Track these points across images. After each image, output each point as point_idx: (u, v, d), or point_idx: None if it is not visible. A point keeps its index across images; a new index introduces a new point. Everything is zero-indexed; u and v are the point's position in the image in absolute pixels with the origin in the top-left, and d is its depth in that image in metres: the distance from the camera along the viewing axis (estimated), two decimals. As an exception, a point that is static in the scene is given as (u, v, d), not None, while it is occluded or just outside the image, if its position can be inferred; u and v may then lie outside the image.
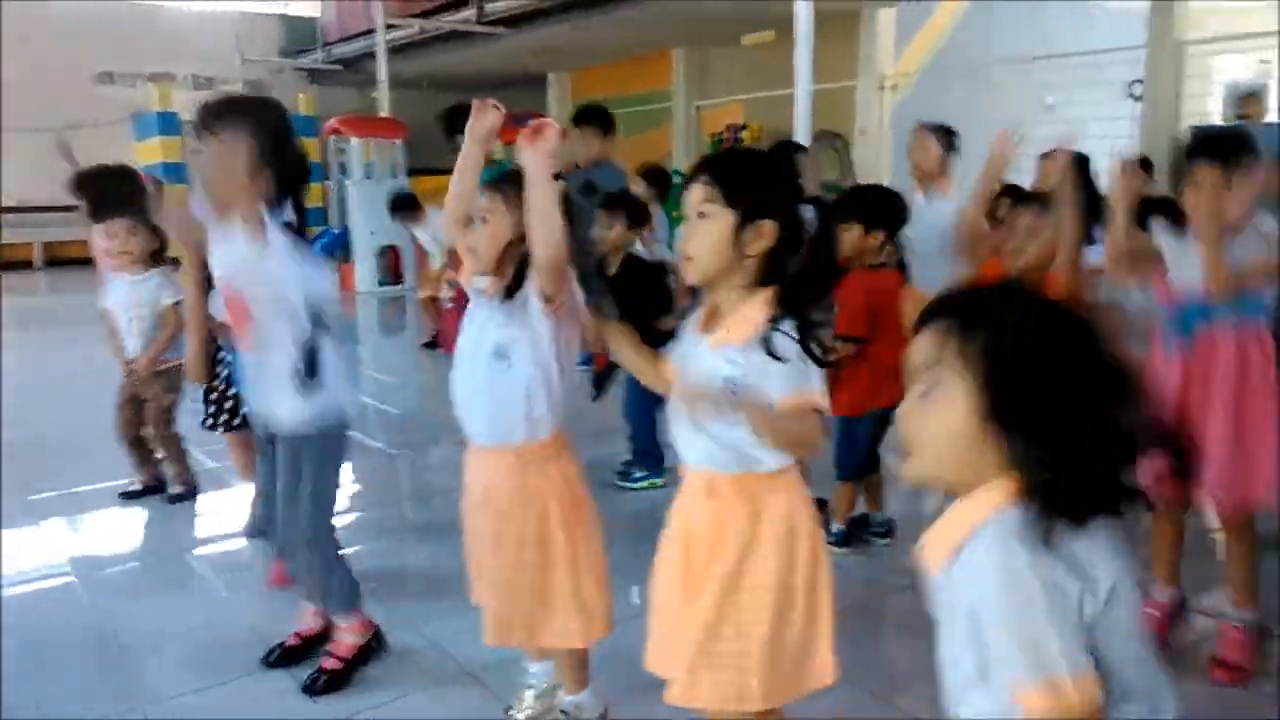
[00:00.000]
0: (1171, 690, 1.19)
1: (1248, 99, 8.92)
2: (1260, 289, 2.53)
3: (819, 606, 1.81)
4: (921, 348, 1.18)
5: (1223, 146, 2.51)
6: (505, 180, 2.18)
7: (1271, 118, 9.96)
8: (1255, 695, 2.56)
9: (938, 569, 1.19)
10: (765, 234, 1.73)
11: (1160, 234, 2.66)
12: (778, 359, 1.66)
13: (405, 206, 8.45)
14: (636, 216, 4.47)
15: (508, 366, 2.18)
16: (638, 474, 4.39)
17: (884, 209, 3.41)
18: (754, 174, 1.78)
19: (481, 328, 2.23)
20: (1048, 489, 1.10)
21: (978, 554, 1.12)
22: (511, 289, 2.17)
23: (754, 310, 1.73)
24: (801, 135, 6.37)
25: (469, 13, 12.51)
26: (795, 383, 1.68)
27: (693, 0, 10.16)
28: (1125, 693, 1.13)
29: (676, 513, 1.88)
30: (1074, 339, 1.13)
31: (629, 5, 10.73)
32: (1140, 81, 9.00)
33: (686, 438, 1.82)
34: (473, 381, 2.24)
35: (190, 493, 4.33)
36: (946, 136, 4.47)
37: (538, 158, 1.99)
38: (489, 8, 12.28)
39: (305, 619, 2.90)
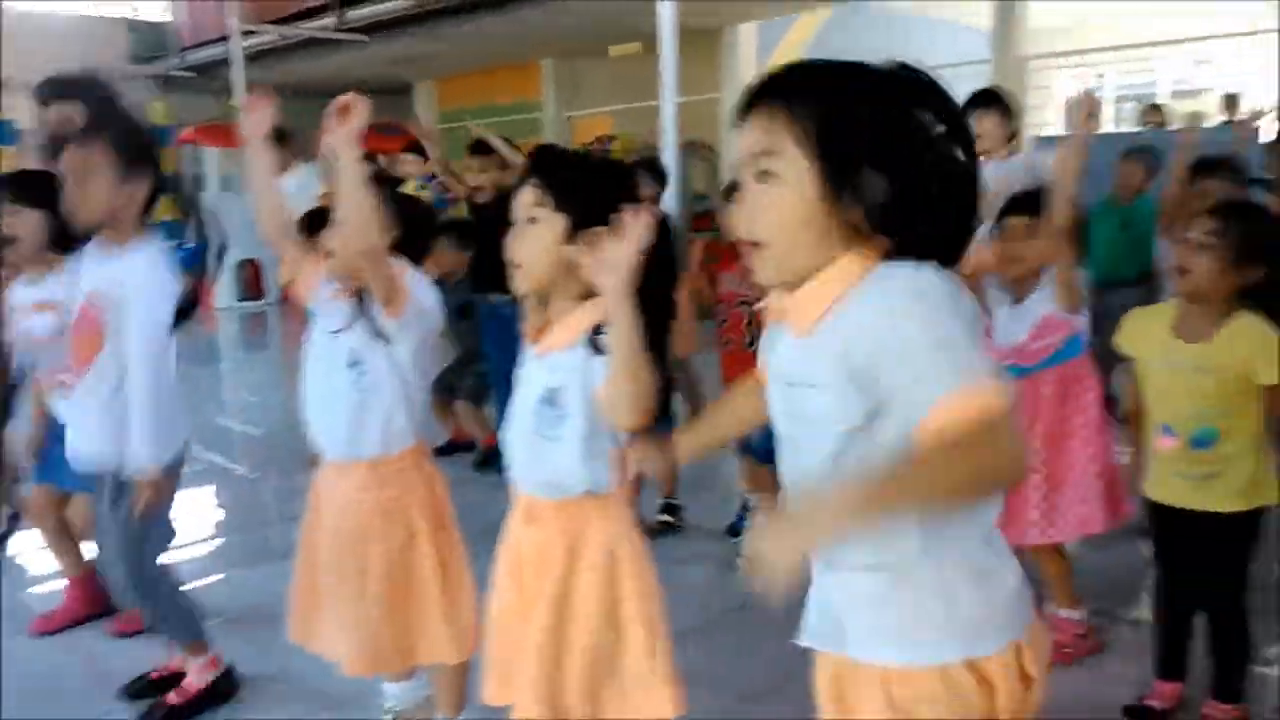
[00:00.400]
0: None
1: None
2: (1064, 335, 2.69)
3: (653, 637, 1.70)
4: (749, 136, 1.14)
5: (1030, 202, 2.65)
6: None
7: (1108, 128, 10.63)
8: (1101, 675, 2.72)
9: (804, 331, 1.16)
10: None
11: (991, 293, 2.82)
12: (601, 352, 1.58)
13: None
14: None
15: (361, 374, 2.10)
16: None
17: None
18: (586, 178, 1.70)
19: (332, 335, 2.14)
20: (915, 241, 1.10)
21: (866, 300, 1.09)
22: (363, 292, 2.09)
23: (583, 317, 1.65)
24: (668, 146, 6.45)
25: (329, 20, 12.19)
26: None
27: (558, 9, 10.14)
28: None
29: (507, 535, 1.80)
30: (901, 94, 1.14)
31: (494, 15, 10.64)
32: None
33: (510, 455, 1.75)
34: (325, 394, 2.15)
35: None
36: None
37: (345, 139, 1.87)
38: (350, 15, 11.98)
39: (174, 656, 2.78)
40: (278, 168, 6.88)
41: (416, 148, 6.74)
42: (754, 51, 11.48)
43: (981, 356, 1.05)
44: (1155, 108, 9.39)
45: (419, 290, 2.14)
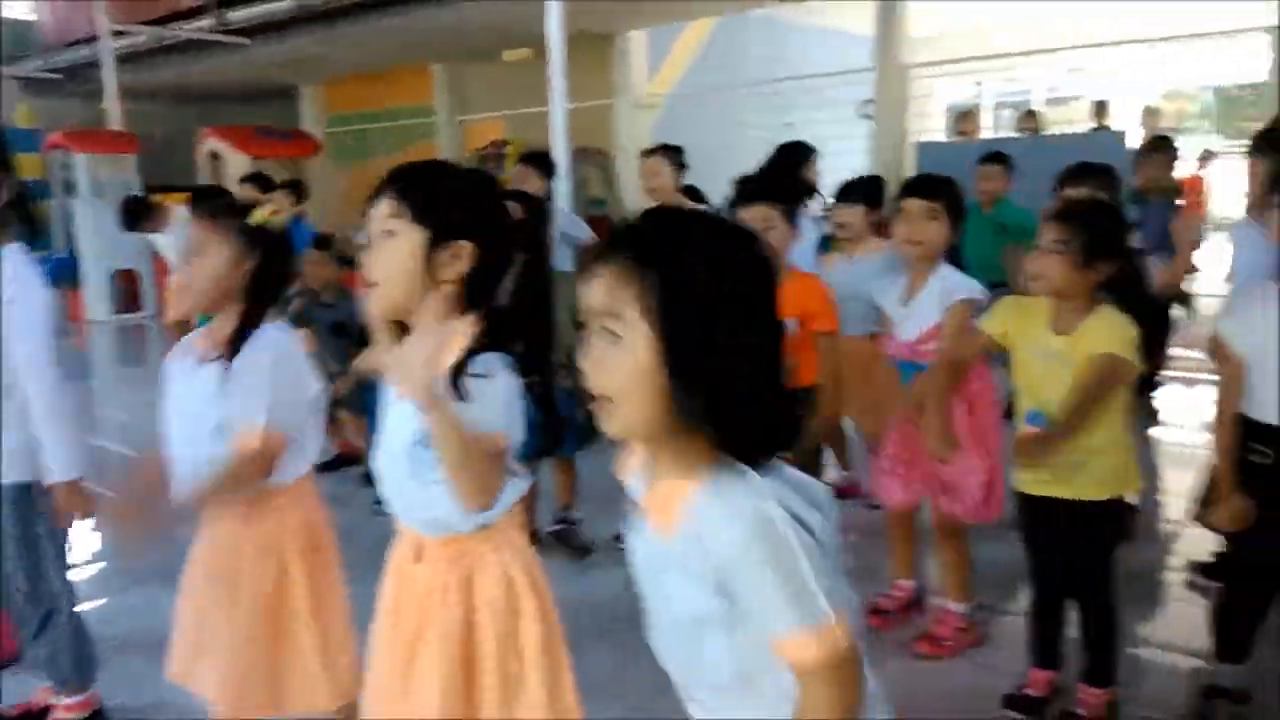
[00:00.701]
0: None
1: (964, 117, 9.78)
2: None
3: (554, 664, 1.64)
4: (596, 291, 1.09)
5: (929, 185, 2.76)
6: (219, 207, 2.01)
7: (987, 134, 11.01)
8: (982, 666, 2.79)
9: (660, 530, 1.16)
10: (462, 255, 1.52)
11: (880, 294, 2.89)
12: (461, 398, 1.43)
13: (140, 214, 6.71)
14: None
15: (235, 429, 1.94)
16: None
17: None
18: (446, 188, 1.56)
19: (202, 388, 1.97)
20: (736, 435, 1.08)
21: (713, 508, 1.08)
22: (235, 345, 1.93)
23: (447, 346, 1.48)
24: (559, 152, 6.42)
25: (207, 20, 11.77)
26: (490, 422, 1.45)
27: (449, 12, 10.00)
28: None
29: (393, 571, 1.69)
30: (748, 279, 1.09)
31: (382, 18, 10.44)
32: (871, 102, 9.70)
33: (386, 493, 1.64)
34: (196, 444, 1.98)
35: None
36: (676, 156, 4.54)
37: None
38: (230, 15, 11.59)
39: (37, 692, 2.63)
40: (152, 227, 6.34)
41: (292, 185, 6.45)
42: (645, 58, 11.55)
43: (825, 588, 1.06)
44: (1030, 114, 9.76)
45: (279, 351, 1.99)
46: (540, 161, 5.18)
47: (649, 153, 4.61)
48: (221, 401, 1.93)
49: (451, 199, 1.55)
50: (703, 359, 1.05)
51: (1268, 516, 2.25)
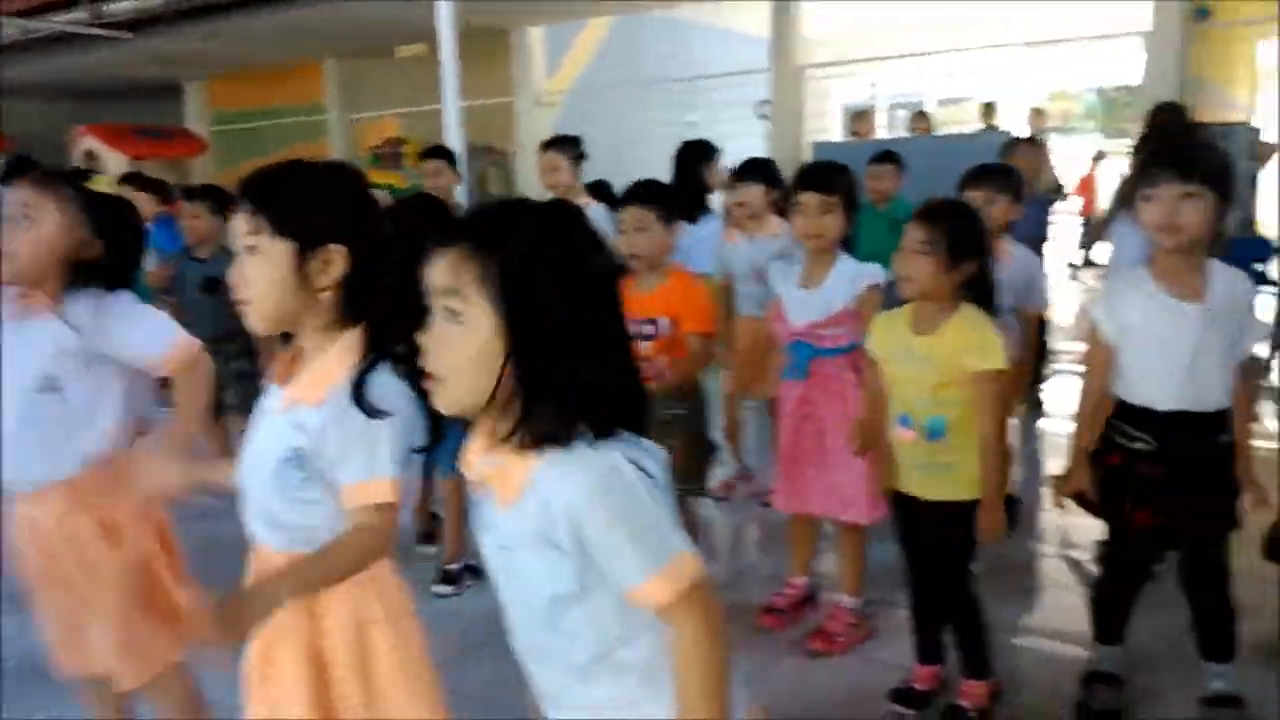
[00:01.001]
0: None
1: (858, 118, 9.95)
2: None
3: (418, 686, 1.55)
4: (439, 272, 1.14)
5: (825, 179, 2.77)
6: (51, 175, 1.93)
7: (882, 134, 11.23)
8: (873, 661, 2.79)
9: (506, 504, 1.17)
10: (334, 261, 1.45)
11: (776, 277, 2.92)
12: (374, 414, 1.39)
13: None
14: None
15: (60, 399, 1.88)
16: None
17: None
18: (306, 193, 1.46)
19: (13, 351, 1.89)
20: (578, 408, 1.12)
21: (556, 469, 1.12)
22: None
23: (335, 359, 1.44)
24: (454, 149, 6.26)
25: (82, 13, 11.23)
26: (365, 464, 1.41)
27: (339, 7, 9.74)
28: None
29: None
30: (580, 243, 1.16)
31: (269, 13, 10.10)
32: (768, 102, 9.79)
33: (246, 504, 1.55)
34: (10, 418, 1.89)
35: None
36: (574, 149, 4.53)
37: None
38: (109, 8, 11.08)
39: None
40: None
41: (156, 186, 5.98)
42: (543, 56, 11.45)
43: (672, 530, 1.13)
44: (921, 115, 9.98)
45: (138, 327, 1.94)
46: (450, 155, 5.10)
47: (546, 146, 4.58)
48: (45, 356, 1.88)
49: (313, 204, 1.46)
50: (542, 334, 1.11)
51: (1147, 501, 2.27)
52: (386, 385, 1.42)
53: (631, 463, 1.12)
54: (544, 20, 11.09)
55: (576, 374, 1.11)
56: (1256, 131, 8.15)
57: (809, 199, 2.72)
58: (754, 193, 3.73)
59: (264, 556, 1.54)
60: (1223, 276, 2.21)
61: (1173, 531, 2.31)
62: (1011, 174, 3.41)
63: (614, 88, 11.02)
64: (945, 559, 2.44)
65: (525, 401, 1.12)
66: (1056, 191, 9.26)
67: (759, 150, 9.67)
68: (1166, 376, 2.23)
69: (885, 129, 11.94)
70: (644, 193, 2.94)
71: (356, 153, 12.90)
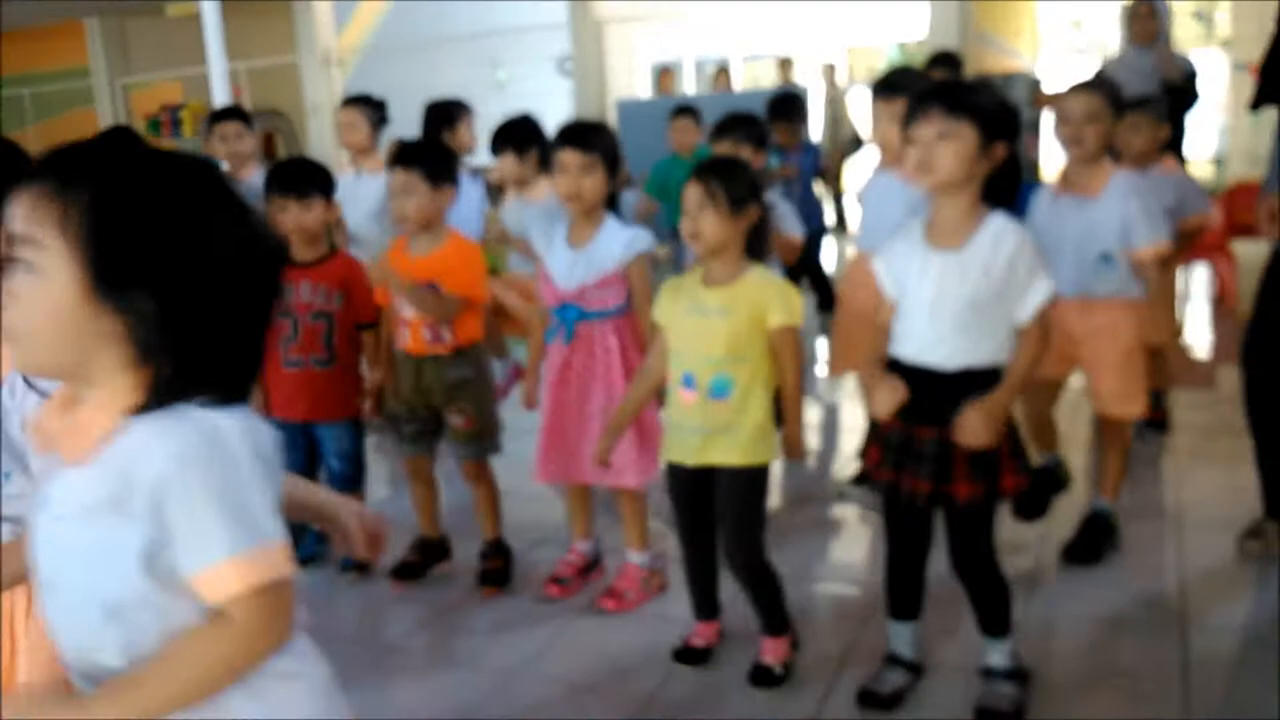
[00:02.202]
0: None
1: (663, 75, 9.88)
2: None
3: None
4: (15, 217, 0.98)
5: (583, 137, 2.72)
6: None
7: (689, 91, 11.20)
8: (662, 620, 2.73)
9: (77, 460, 1.01)
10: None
11: (538, 236, 2.90)
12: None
13: None
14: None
15: None
16: None
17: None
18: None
19: None
20: (182, 371, 1.00)
21: (143, 431, 0.98)
22: None
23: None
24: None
25: None
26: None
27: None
28: None
29: None
30: (197, 195, 1.02)
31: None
32: (570, 59, 9.55)
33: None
34: None
35: None
36: (375, 111, 4.39)
37: None
38: None
39: None
40: None
41: None
42: (330, 12, 10.81)
43: (271, 518, 1.01)
44: (722, 72, 9.99)
45: None
46: (246, 117, 4.69)
47: (346, 104, 4.46)
48: None
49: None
50: (136, 289, 0.97)
51: (897, 461, 2.18)
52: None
53: (245, 435, 1.00)
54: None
55: (180, 331, 0.99)
56: (1037, 81, 8.53)
57: (569, 158, 2.68)
58: (505, 164, 3.83)
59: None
60: (992, 226, 2.09)
61: (909, 493, 2.16)
62: (756, 124, 3.57)
63: (406, 46, 10.49)
64: (732, 524, 2.38)
65: (117, 363, 0.99)
66: (856, 143, 9.45)
67: (565, 108, 9.45)
68: (910, 328, 2.17)
69: (693, 86, 11.91)
70: (407, 155, 2.90)
71: (135, 119, 11.93)
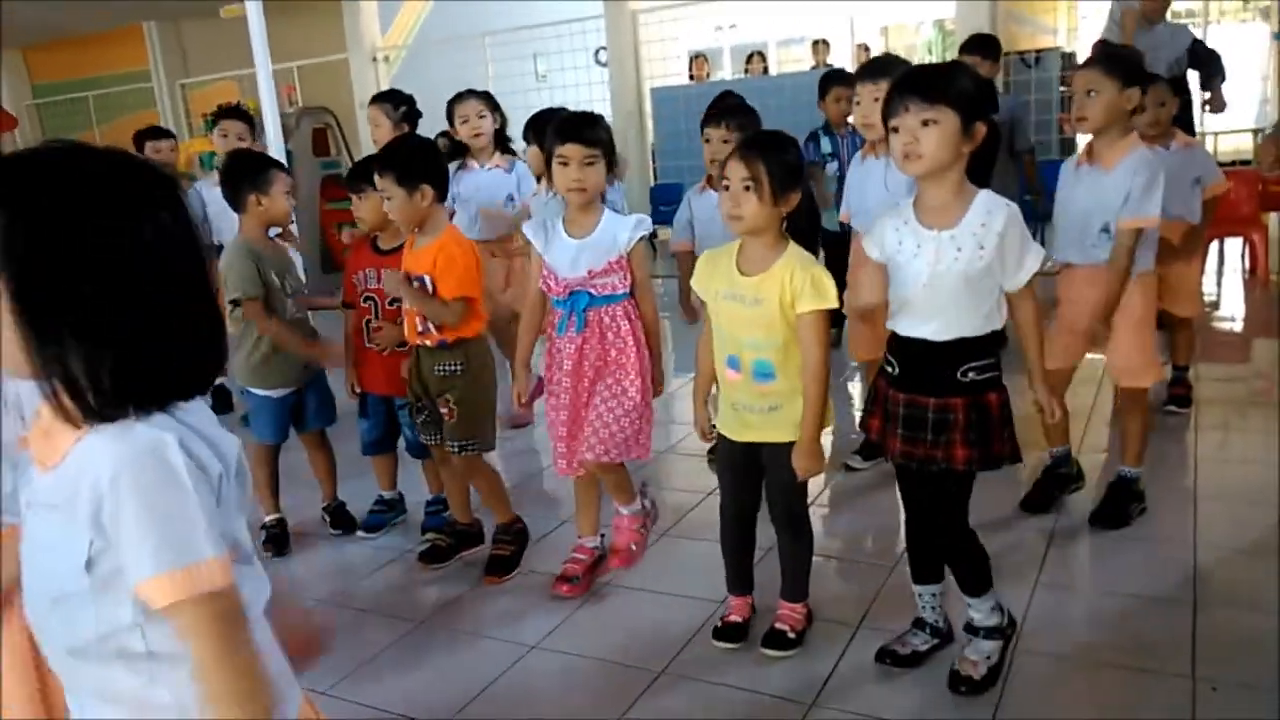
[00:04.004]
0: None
1: (696, 61, 10.00)
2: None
3: None
4: None
5: (586, 132, 2.69)
6: None
7: (724, 75, 11.31)
8: (676, 597, 2.86)
9: (44, 467, 1.06)
10: None
11: (537, 233, 2.82)
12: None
13: None
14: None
15: None
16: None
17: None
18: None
19: None
20: (114, 384, 1.00)
21: (96, 441, 1.01)
22: None
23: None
24: (268, 113, 6.07)
25: None
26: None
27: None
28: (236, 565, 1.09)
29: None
30: (124, 213, 1.00)
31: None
32: (605, 48, 9.75)
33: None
34: None
35: None
36: (398, 107, 4.48)
37: None
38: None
39: None
40: None
41: None
42: (376, 11, 11.10)
43: (205, 531, 1.00)
44: (758, 56, 10.08)
45: None
46: (240, 114, 5.08)
47: (370, 103, 4.56)
48: None
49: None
50: (58, 303, 0.97)
51: (894, 428, 2.26)
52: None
53: (183, 448, 1.01)
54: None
55: (107, 344, 0.99)
56: (1071, 56, 8.51)
57: (571, 151, 2.68)
58: (532, 156, 4.02)
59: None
60: (982, 204, 2.16)
61: (918, 460, 2.23)
62: (750, 112, 3.47)
63: (449, 42, 10.76)
64: (779, 487, 2.46)
65: (60, 377, 1.00)
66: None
67: (601, 99, 9.65)
68: (906, 304, 2.24)
69: (730, 72, 12.00)
70: (381, 160, 2.98)
71: (194, 120, 12.34)
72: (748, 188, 2.27)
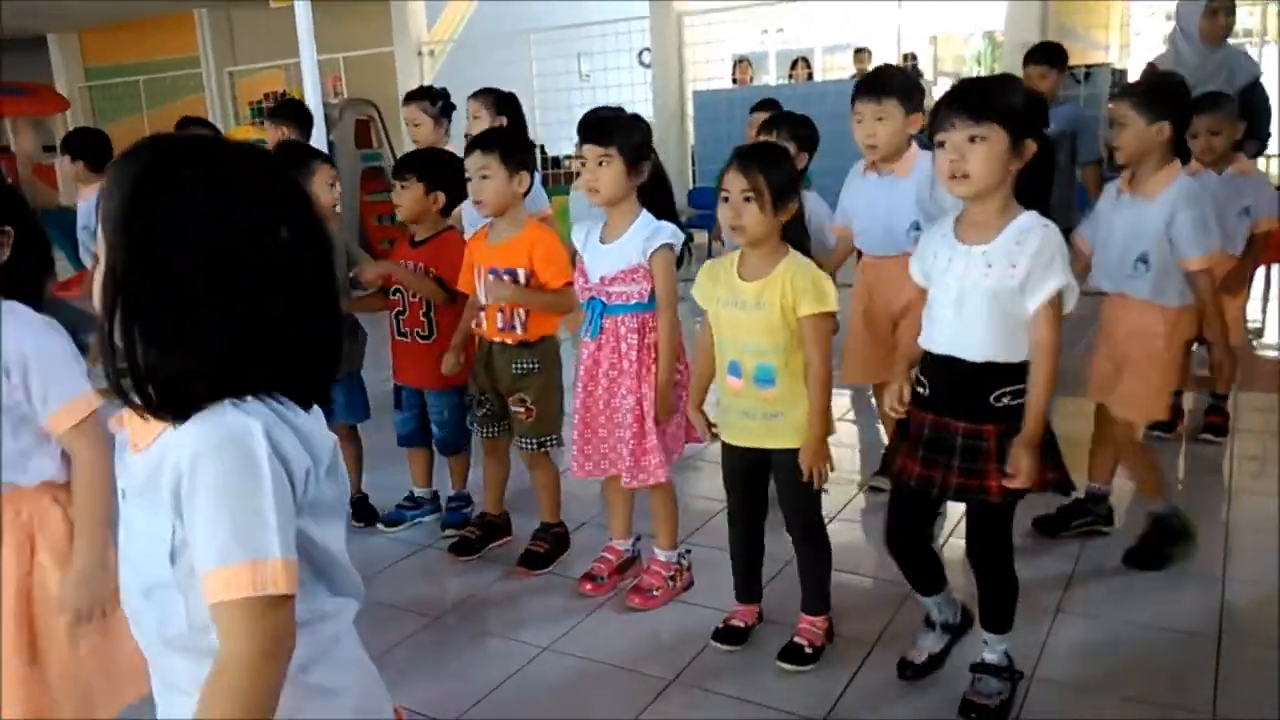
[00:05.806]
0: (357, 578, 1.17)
1: (739, 65, 9.98)
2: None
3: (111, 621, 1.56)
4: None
5: (600, 128, 2.68)
6: None
7: (768, 80, 11.28)
8: (691, 606, 2.85)
9: (137, 450, 1.06)
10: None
11: (578, 235, 2.82)
12: None
13: None
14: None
15: None
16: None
17: (445, 171, 3.20)
18: None
19: None
20: (216, 368, 0.99)
21: (187, 426, 0.99)
22: None
23: None
24: (313, 104, 6.10)
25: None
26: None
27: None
28: (319, 572, 1.10)
29: None
30: (221, 201, 0.99)
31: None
32: (649, 49, 9.75)
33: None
34: None
35: None
36: (434, 103, 4.44)
37: None
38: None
39: None
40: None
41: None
42: (423, 5, 11.19)
43: (277, 531, 0.97)
44: (802, 62, 10.04)
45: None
46: (296, 112, 5.10)
47: (408, 99, 4.52)
48: None
49: None
50: (152, 288, 0.97)
51: (915, 449, 2.22)
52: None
53: (268, 436, 0.98)
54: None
55: (203, 332, 0.98)
56: (1122, 73, 8.38)
57: (586, 151, 2.67)
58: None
59: None
60: (1022, 223, 2.10)
61: (940, 486, 2.18)
62: (807, 123, 3.50)
63: (494, 39, 10.82)
64: (792, 499, 2.45)
65: (138, 359, 0.99)
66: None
67: (643, 100, 9.66)
68: (938, 319, 2.20)
69: (775, 77, 11.98)
70: (484, 139, 2.95)
71: (241, 108, 12.51)
72: (748, 199, 2.29)
